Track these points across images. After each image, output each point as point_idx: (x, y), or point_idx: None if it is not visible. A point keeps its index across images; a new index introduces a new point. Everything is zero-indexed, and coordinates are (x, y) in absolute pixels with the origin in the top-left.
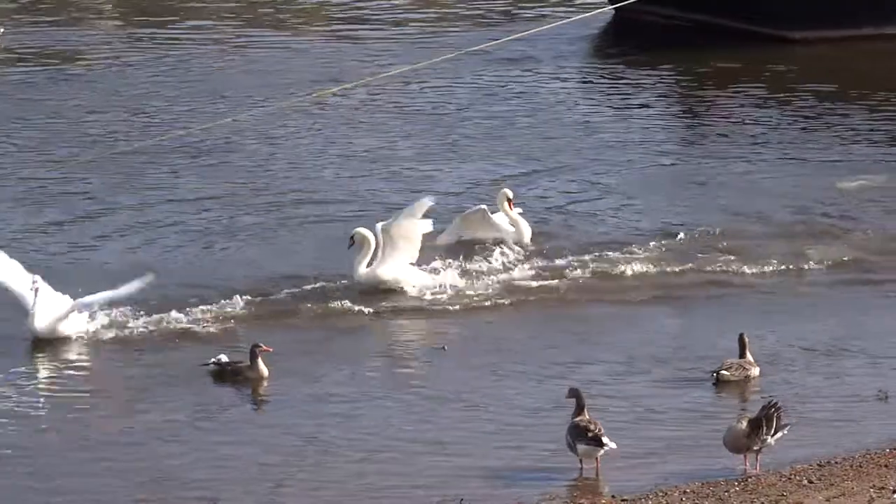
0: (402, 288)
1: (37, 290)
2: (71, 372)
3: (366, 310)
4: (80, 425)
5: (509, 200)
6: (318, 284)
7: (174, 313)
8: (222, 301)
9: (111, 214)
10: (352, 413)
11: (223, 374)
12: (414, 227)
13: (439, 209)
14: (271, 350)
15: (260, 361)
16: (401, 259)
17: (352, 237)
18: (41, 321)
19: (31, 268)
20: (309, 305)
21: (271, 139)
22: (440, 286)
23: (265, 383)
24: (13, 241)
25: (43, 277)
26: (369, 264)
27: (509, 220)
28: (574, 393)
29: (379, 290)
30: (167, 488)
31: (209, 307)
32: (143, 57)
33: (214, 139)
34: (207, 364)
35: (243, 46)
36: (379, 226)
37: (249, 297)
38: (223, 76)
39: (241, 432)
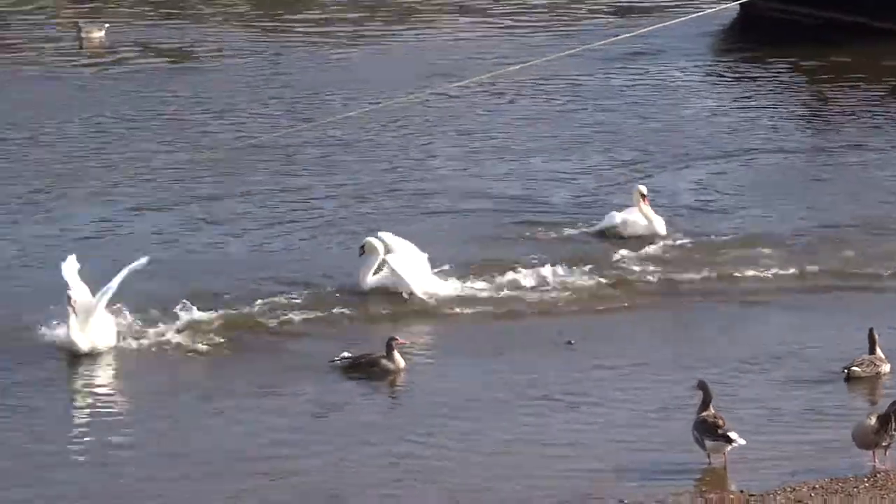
0: (406, 293)
1: (73, 306)
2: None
3: (481, 308)
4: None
5: (643, 196)
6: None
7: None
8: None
9: (239, 207)
10: (476, 410)
11: (358, 367)
12: (409, 248)
13: (574, 204)
14: (406, 342)
15: (396, 353)
16: (406, 267)
17: (362, 246)
18: (80, 339)
19: (159, 262)
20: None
21: (398, 133)
22: (549, 283)
23: (401, 375)
24: (159, 234)
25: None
26: (375, 272)
27: (643, 216)
28: (702, 385)
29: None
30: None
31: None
32: (263, 51)
33: (340, 133)
34: (336, 360)
35: (368, 40)
36: (383, 235)
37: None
38: (346, 70)
39: (360, 427)
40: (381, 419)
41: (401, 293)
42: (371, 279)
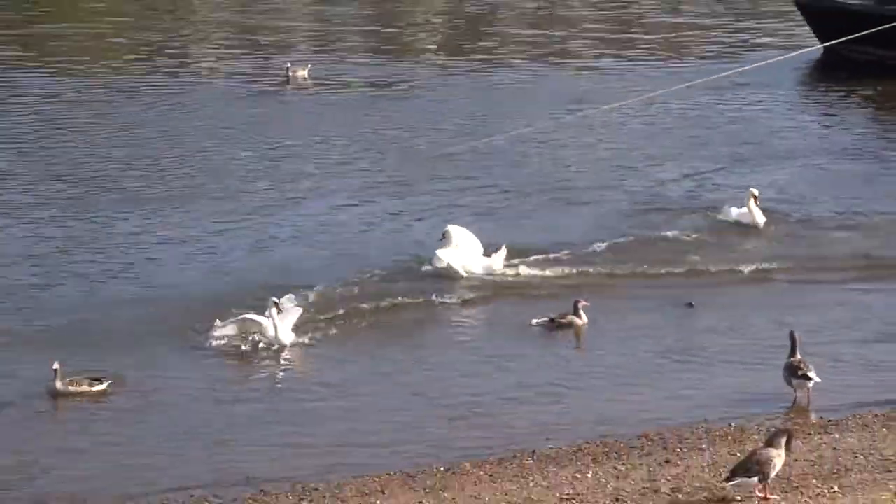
0: (463, 274)
1: (276, 308)
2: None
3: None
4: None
5: (755, 197)
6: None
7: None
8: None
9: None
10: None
11: (558, 325)
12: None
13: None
14: (588, 304)
15: (582, 312)
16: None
17: (444, 233)
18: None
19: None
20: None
21: (554, 147)
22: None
23: (585, 329)
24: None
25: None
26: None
27: (750, 212)
28: (791, 336)
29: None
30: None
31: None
32: (453, 83)
33: (511, 146)
34: (537, 322)
35: (526, 72)
36: (450, 228)
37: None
38: (516, 95)
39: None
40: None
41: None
42: (445, 258)
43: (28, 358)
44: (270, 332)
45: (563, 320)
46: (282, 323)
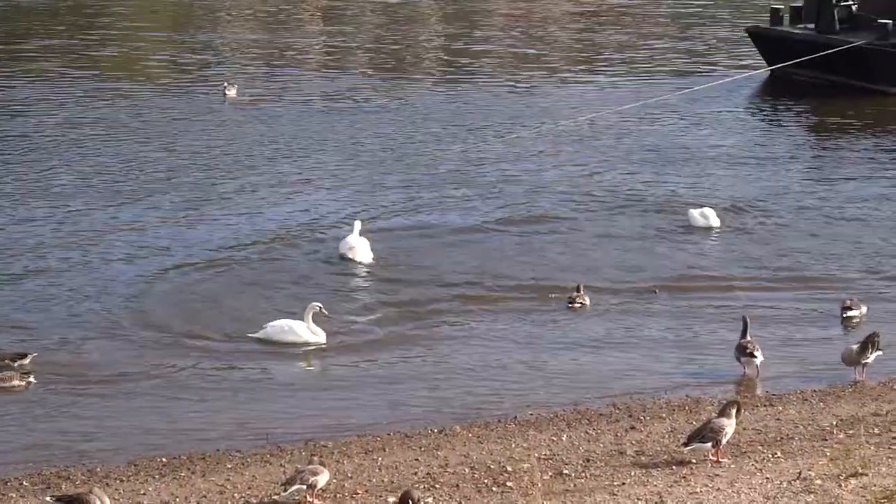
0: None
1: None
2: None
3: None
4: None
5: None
6: None
7: None
8: None
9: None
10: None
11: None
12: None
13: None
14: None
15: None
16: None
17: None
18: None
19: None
20: None
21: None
22: None
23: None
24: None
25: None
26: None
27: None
28: (743, 319)
29: None
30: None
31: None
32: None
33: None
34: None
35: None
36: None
37: None
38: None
39: None
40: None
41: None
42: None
43: None
44: (306, 334)
45: (577, 302)
46: (314, 325)
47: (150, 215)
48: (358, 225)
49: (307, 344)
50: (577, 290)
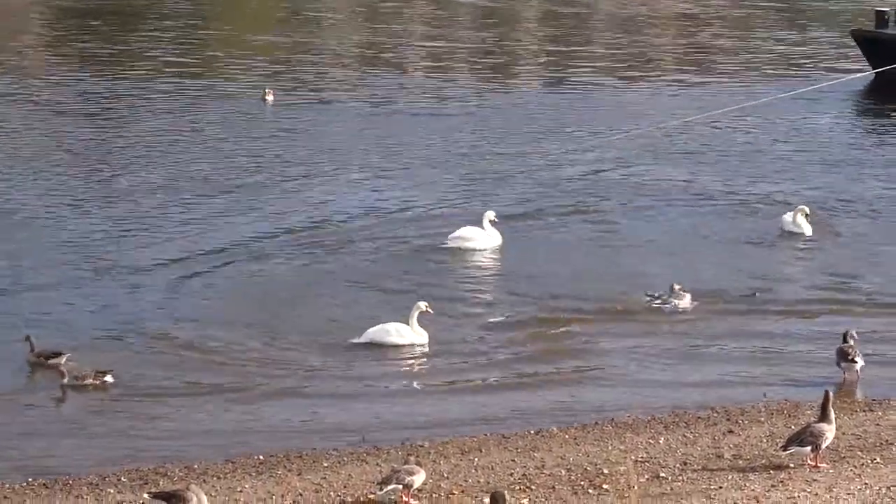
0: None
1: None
2: None
3: None
4: None
5: (807, 215)
6: None
7: None
8: None
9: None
10: None
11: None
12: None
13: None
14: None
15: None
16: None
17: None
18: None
19: None
20: None
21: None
22: None
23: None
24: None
25: None
26: None
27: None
28: (846, 333)
29: None
30: None
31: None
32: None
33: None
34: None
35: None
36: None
37: None
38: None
39: None
40: None
41: None
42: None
43: None
44: (410, 335)
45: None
46: (418, 326)
47: (232, 212)
48: (490, 215)
49: (410, 346)
50: (671, 289)
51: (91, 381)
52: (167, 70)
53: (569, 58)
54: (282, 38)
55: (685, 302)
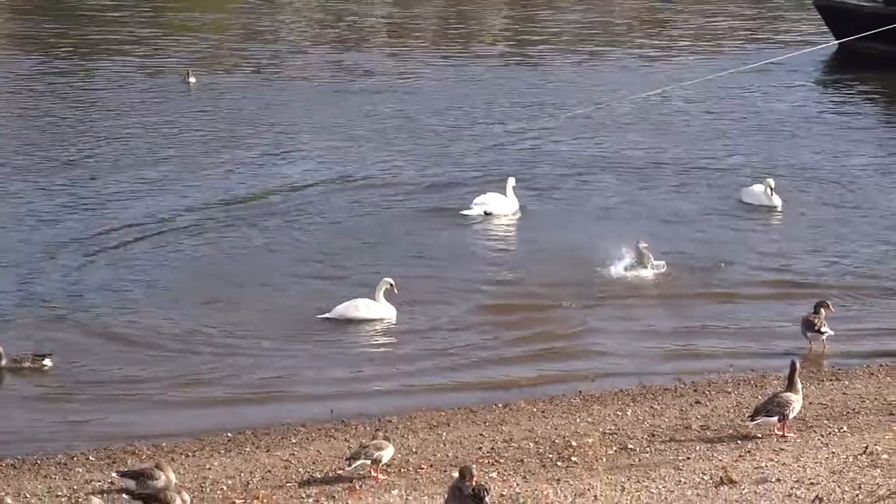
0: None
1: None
2: None
3: None
4: None
5: (771, 188)
6: None
7: None
8: None
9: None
10: None
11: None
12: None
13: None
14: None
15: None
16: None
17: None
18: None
19: None
20: None
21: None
22: None
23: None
24: None
25: None
26: None
27: (766, 198)
28: (818, 304)
29: None
30: None
31: None
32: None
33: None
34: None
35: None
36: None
37: None
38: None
39: None
40: None
41: None
42: None
43: None
44: (379, 310)
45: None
46: (385, 300)
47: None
48: (511, 182)
49: (379, 321)
50: (638, 250)
51: (29, 364)
52: (94, 50)
53: (528, 32)
54: (219, 16)
55: (653, 269)
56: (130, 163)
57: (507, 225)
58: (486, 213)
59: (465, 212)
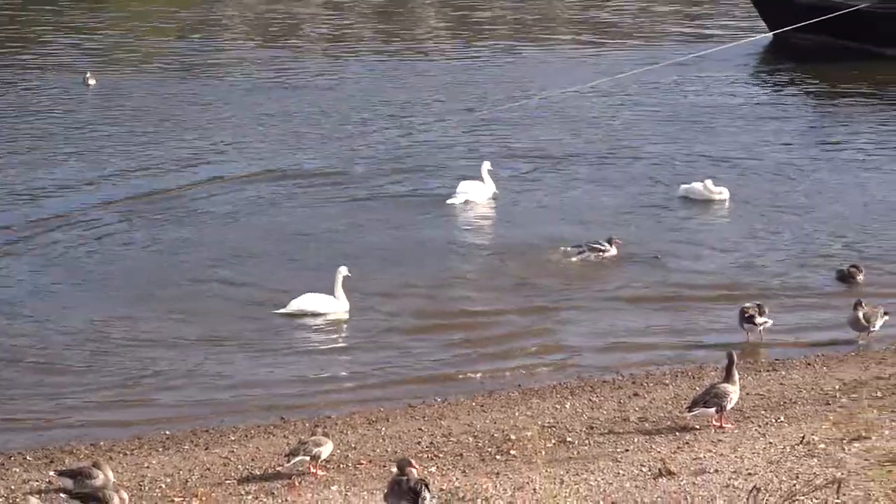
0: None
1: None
2: None
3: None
4: None
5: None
6: None
7: None
8: None
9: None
10: None
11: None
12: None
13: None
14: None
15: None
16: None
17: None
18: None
19: None
20: None
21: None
22: None
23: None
24: None
25: None
26: None
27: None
28: (753, 308)
29: None
30: None
31: None
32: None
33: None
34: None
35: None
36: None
37: None
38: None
39: None
40: None
41: None
42: None
43: None
44: (335, 303)
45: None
46: (342, 292)
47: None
48: (486, 165)
49: (332, 315)
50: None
51: None
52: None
53: (469, 26)
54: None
55: (601, 253)
56: (29, 161)
57: (477, 215)
58: (466, 202)
59: (449, 201)
